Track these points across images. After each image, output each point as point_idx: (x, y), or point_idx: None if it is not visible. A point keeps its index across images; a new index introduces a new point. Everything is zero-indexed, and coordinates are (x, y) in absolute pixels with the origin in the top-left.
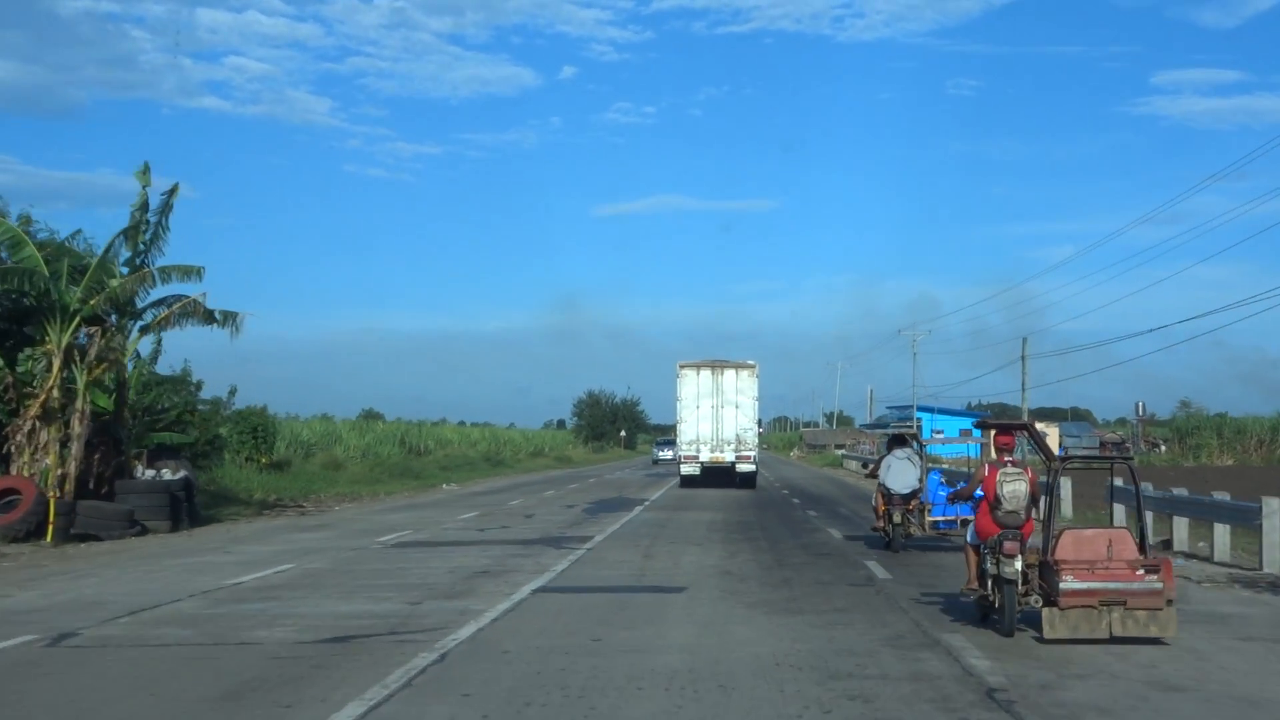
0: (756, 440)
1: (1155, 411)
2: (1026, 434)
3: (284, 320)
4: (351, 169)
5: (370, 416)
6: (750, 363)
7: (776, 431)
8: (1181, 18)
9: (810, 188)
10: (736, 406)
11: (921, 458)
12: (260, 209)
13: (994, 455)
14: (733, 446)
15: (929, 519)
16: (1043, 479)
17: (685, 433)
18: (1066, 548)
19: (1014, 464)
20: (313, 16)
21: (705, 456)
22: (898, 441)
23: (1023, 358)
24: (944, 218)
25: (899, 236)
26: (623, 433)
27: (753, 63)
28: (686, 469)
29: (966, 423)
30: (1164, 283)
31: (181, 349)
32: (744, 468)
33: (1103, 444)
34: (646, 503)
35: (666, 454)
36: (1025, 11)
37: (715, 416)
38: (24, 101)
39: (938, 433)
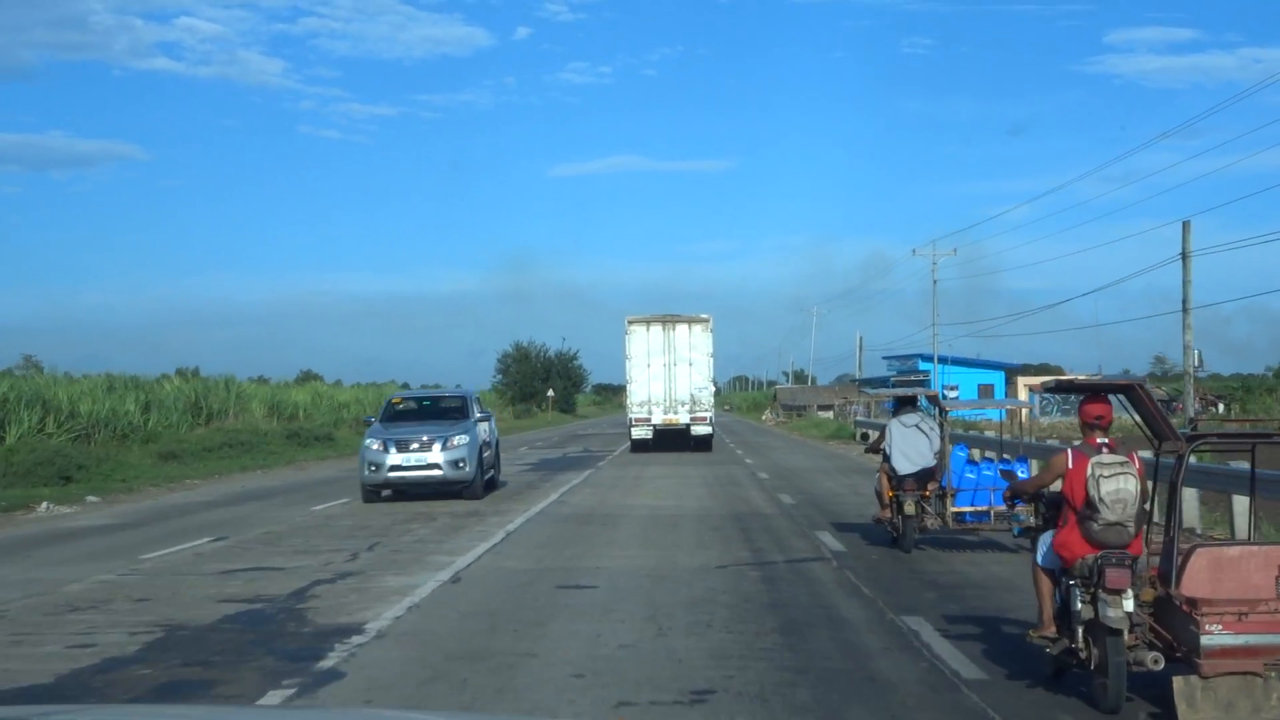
0: (712, 400)
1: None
2: (1133, 397)
3: (235, 283)
4: (306, 130)
5: (308, 378)
6: (704, 316)
7: (738, 391)
8: None
9: (765, 148)
10: (690, 364)
11: (942, 426)
12: (213, 171)
13: (1080, 437)
14: (687, 407)
15: (951, 509)
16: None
17: (635, 394)
18: (1201, 576)
19: (1111, 448)
20: None
21: (658, 419)
22: (907, 404)
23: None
24: (899, 176)
25: (854, 196)
26: (551, 392)
27: (707, 22)
28: (638, 432)
29: (988, 376)
30: (1120, 241)
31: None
32: (699, 430)
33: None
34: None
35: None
36: None
37: (667, 375)
38: None
39: (950, 389)
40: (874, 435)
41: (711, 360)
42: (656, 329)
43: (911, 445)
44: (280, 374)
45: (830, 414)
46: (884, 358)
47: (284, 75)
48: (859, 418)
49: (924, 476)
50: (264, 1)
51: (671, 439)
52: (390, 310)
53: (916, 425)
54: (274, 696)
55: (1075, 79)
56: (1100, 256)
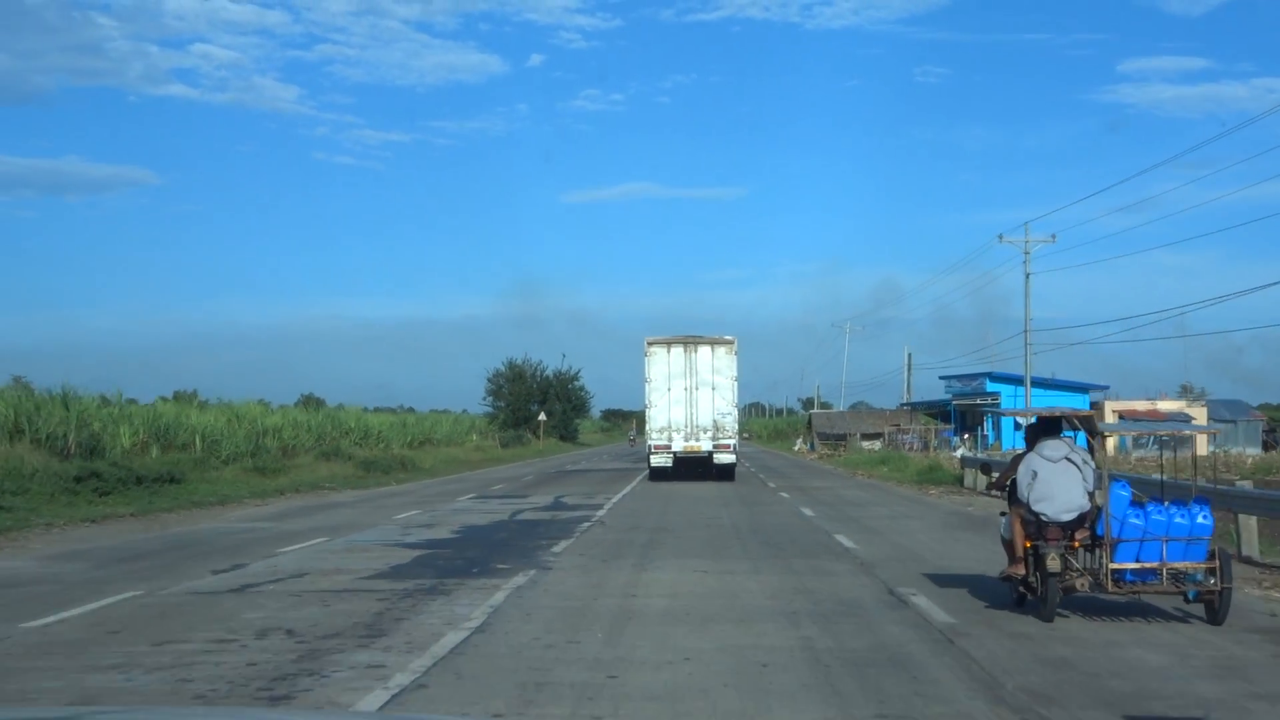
0: (736, 426)
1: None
2: None
3: (245, 307)
4: (320, 156)
5: (309, 402)
6: (728, 338)
7: (754, 417)
8: (1148, 5)
9: (778, 176)
10: (713, 388)
11: (1094, 457)
12: (227, 196)
13: None
14: (709, 434)
15: (1110, 564)
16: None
17: (655, 419)
18: None
19: None
20: (280, 3)
21: (678, 446)
22: (1048, 429)
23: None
24: (911, 205)
25: (867, 224)
26: (542, 416)
27: (721, 51)
28: (657, 460)
29: (1069, 399)
30: (1130, 269)
31: None
32: (722, 458)
33: None
34: None
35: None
36: None
37: (689, 400)
38: None
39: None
40: (998, 473)
41: (735, 384)
42: (678, 351)
43: (1059, 482)
44: (283, 399)
45: (876, 444)
46: (941, 378)
47: (299, 101)
48: (964, 453)
49: (1074, 523)
50: (279, 29)
51: (692, 467)
52: (400, 335)
53: (1066, 457)
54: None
55: (1089, 108)
56: (1108, 282)
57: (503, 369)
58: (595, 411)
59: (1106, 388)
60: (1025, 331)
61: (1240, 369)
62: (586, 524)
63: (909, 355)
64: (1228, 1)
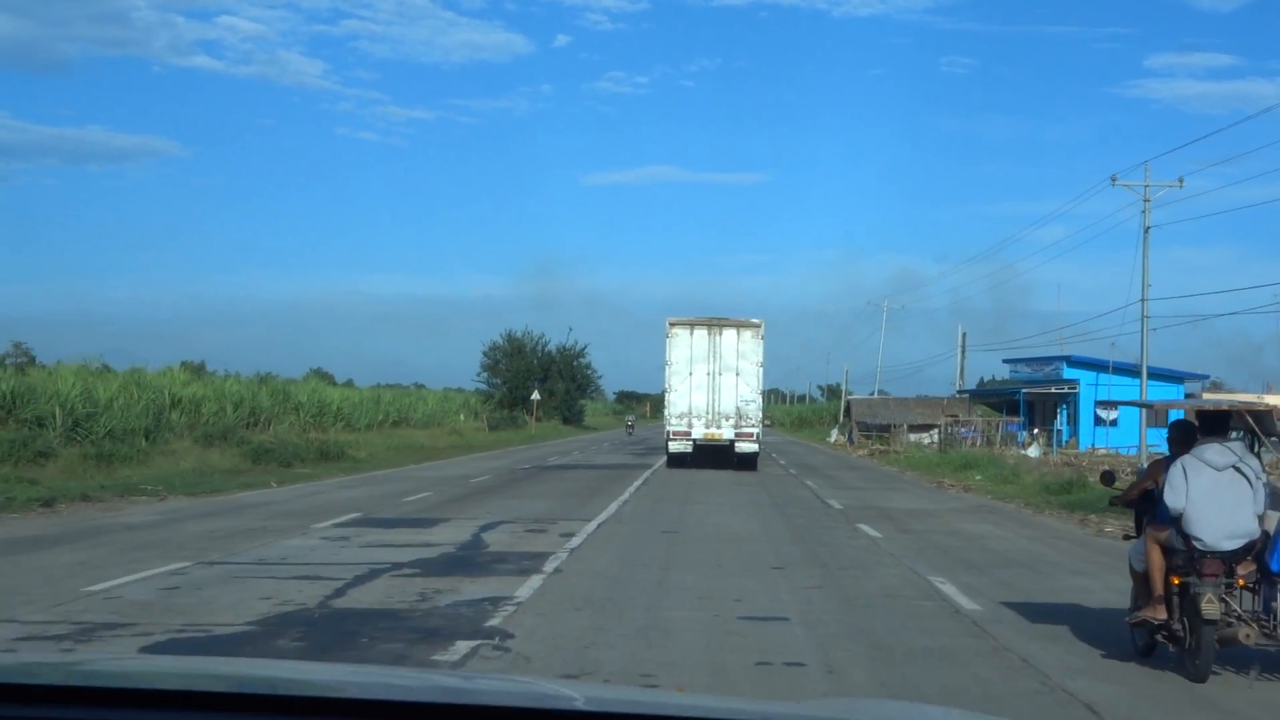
0: (760, 415)
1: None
2: None
3: (264, 280)
4: (343, 132)
5: (316, 377)
6: (755, 321)
7: (774, 405)
8: (1177, 1)
9: (800, 162)
10: (737, 373)
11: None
12: (249, 170)
13: None
14: (731, 421)
15: None
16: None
17: (676, 404)
18: None
19: None
20: None
21: (699, 433)
22: (1210, 426)
23: None
24: (934, 195)
25: (889, 212)
26: (536, 395)
27: (747, 36)
28: (676, 446)
29: (1161, 390)
30: (1151, 263)
31: None
32: (744, 447)
33: None
34: None
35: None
36: None
37: (711, 385)
38: (15, 56)
39: (1106, 407)
40: (1135, 483)
41: (761, 370)
42: (701, 333)
43: (1222, 499)
44: (294, 373)
45: (925, 437)
46: (1006, 361)
47: (323, 76)
48: (1035, 450)
49: (1238, 553)
50: (305, 2)
51: (712, 456)
52: (418, 313)
53: (1235, 466)
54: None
55: (1114, 102)
56: (1125, 277)
57: (500, 341)
58: (609, 393)
59: (1206, 377)
60: (1143, 301)
61: (1257, 366)
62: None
63: (963, 335)
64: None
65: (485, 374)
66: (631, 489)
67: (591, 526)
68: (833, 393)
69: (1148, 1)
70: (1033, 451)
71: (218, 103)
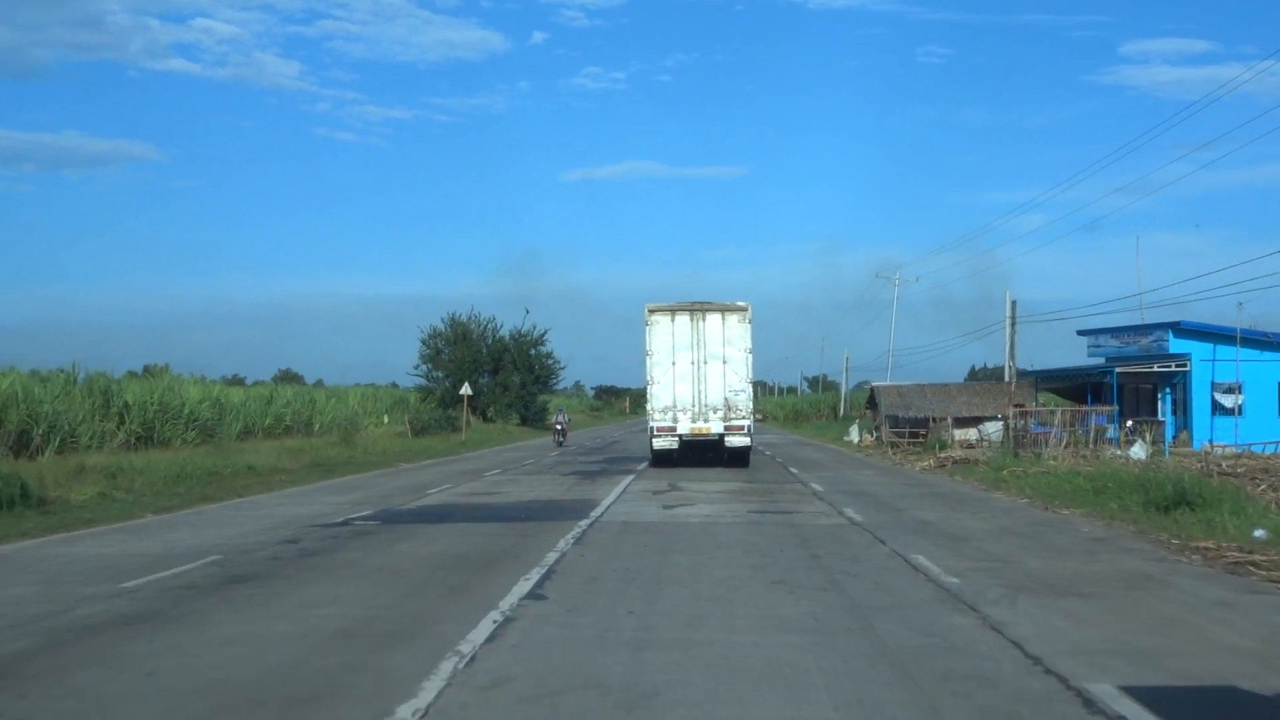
0: (751, 405)
1: None
2: None
3: (243, 283)
4: (321, 133)
5: (284, 379)
6: (740, 304)
7: (764, 397)
8: None
9: (779, 155)
10: (724, 361)
11: None
12: (227, 173)
13: None
14: (720, 414)
15: None
16: None
17: (659, 397)
18: None
19: None
20: None
21: (685, 428)
22: None
23: None
24: (913, 185)
25: (868, 203)
26: (466, 389)
27: (724, 29)
28: (661, 443)
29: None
30: (1128, 250)
31: None
32: (735, 441)
33: None
34: None
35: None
36: None
37: (696, 375)
38: None
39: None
40: None
41: (750, 358)
42: (683, 319)
43: None
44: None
45: (973, 433)
46: (1081, 333)
47: (300, 77)
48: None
49: None
50: (280, 4)
51: (700, 452)
52: (398, 312)
53: None
54: None
55: (1090, 89)
56: (1107, 265)
57: (442, 327)
58: (588, 388)
59: None
60: None
61: None
62: None
63: (1012, 304)
64: None
65: (425, 366)
66: (528, 582)
67: None
68: (824, 384)
69: None
70: (1137, 451)
71: (194, 105)
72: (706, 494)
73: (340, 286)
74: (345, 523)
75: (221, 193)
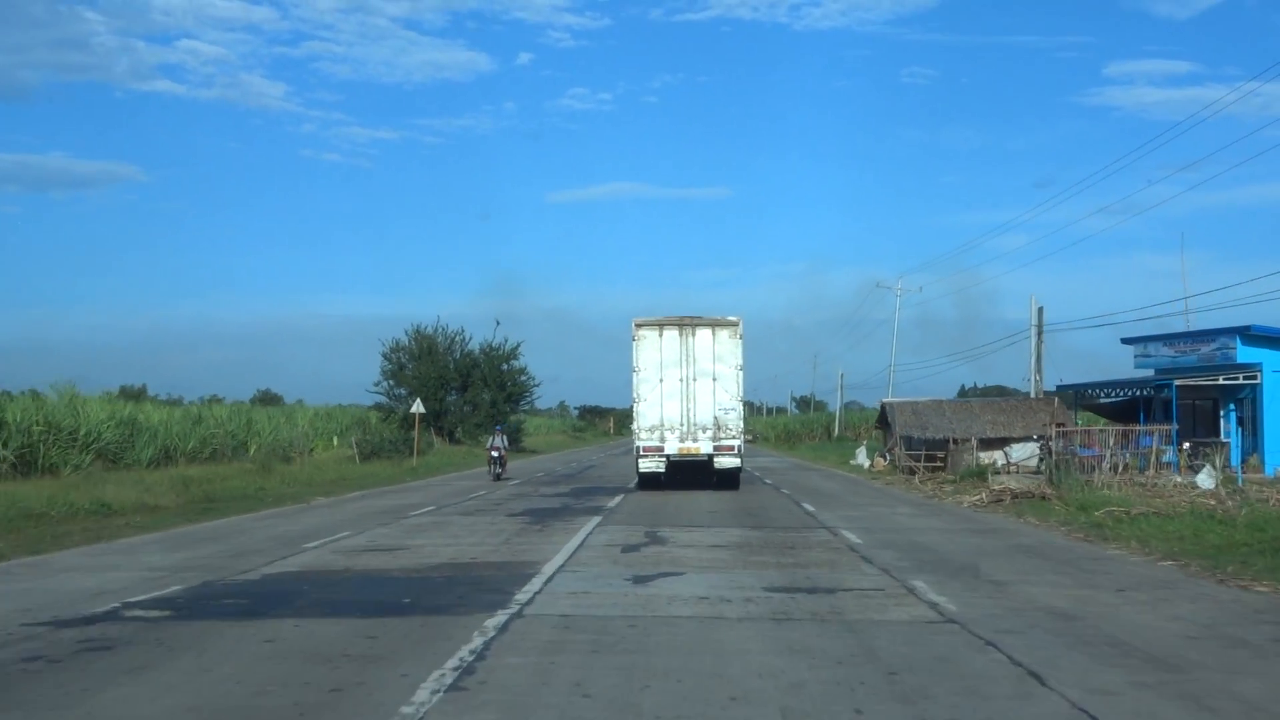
0: (741, 425)
1: None
2: None
3: (229, 304)
4: (307, 154)
5: (263, 399)
6: (731, 319)
7: (753, 417)
8: (1135, 9)
9: (765, 176)
10: (714, 379)
11: None
12: (213, 194)
13: None
14: (709, 433)
15: None
16: None
17: (645, 415)
18: None
19: None
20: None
21: (672, 448)
22: None
23: None
24: (898, 206)
25: (854, 224)
26: (419, 407)
27: (709, 51)
28: (647, 464)
29: None
30: (1115, 271)
31: None
32: (725, 462)
33: None
34: None
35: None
36: (980, 1)
37: (685, 393)
38: None
39: None
40: None
41: (741, 374)
42: (671, 334)
43: None
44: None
45: (999, 456)
46: (1125, 340)
47: (286, 98)
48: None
49: None
50: (266, 25)
51: (689, 473)
52: (384, 332)
53: None
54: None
55: (1075, 110)
56: (1093, 285)
57: (405, 341)
58: (572, 408)
59: None
60: None
61: None
62: None
63: (1039, 310)
64: (1215, 5)
65: (387, 382)
66: None
67: None
68: (813, 404)
69: (1107, 10)
70: (1204, 480)
71: (180, 127)
72: (699, 550)
73: (326, 307)
74: (112, 613)
75: (208, 213)
